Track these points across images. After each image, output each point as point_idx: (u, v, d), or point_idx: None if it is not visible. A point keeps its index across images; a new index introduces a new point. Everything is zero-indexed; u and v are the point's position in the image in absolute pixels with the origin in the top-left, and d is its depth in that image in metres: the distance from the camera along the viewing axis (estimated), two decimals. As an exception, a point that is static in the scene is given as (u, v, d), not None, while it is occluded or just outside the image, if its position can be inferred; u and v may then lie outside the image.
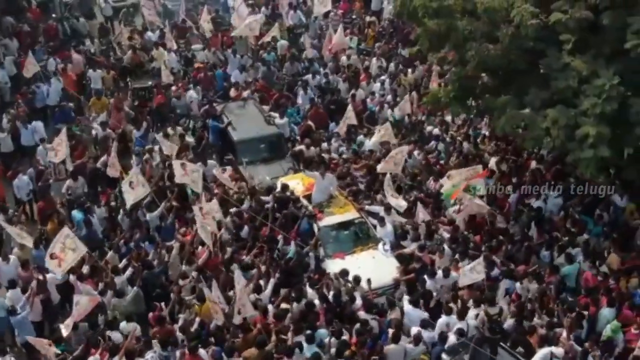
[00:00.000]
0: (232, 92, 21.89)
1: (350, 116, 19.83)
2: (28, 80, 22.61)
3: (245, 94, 21.70)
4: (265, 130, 19.80)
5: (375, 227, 16.21)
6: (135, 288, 14.14)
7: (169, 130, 19.86)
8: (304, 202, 16.72)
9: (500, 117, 14.77)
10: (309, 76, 23.05)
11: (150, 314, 13.74)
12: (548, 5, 14.17)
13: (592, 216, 16.16)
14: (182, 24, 27.27)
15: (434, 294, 14.18)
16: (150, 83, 22.88)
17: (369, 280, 14.28)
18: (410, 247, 15.46)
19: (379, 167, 17.76)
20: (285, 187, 16.87)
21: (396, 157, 17.35)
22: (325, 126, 21.15)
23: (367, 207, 16.79)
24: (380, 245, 15.80)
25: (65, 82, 22.55)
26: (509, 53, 14.34)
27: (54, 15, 28.79)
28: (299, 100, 22.23)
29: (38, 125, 20.24)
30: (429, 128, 20.27)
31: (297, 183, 17.45)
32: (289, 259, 15.05)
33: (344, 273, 14.42)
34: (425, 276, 14.48)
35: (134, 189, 16.03)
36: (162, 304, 13.85)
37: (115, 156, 17.59)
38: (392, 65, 23.86)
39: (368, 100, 21.82)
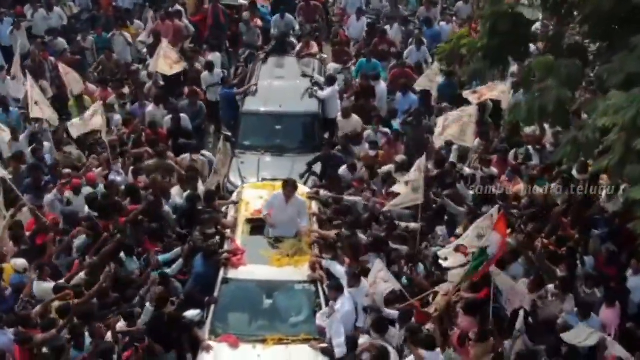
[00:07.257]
0: (300, 46, 14.74)
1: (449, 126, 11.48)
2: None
3: (314, 49, 14.47)
4: (293, 106, 12.71)
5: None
6: None
7: None
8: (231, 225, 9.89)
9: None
10: None
11: None
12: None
13: None
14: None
15: None
16: None
17: None
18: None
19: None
20: (211, 194, 10.22)
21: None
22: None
23: (324, 262, 9.19)
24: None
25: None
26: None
27: None
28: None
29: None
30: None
31: (261, 196, 10.31)
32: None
33: None
34: None
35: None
36: None
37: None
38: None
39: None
